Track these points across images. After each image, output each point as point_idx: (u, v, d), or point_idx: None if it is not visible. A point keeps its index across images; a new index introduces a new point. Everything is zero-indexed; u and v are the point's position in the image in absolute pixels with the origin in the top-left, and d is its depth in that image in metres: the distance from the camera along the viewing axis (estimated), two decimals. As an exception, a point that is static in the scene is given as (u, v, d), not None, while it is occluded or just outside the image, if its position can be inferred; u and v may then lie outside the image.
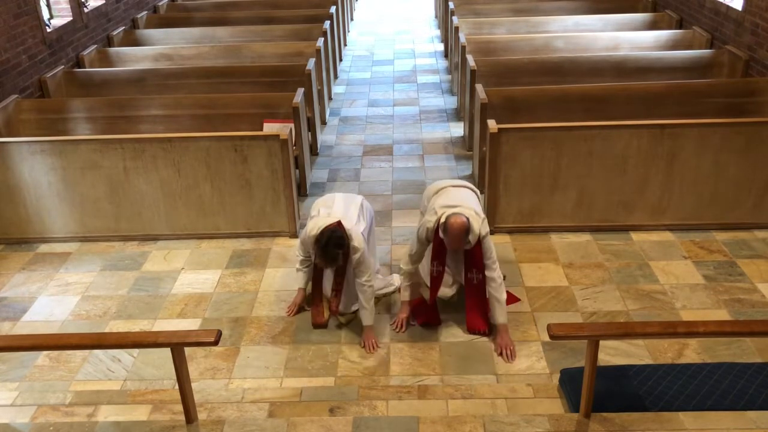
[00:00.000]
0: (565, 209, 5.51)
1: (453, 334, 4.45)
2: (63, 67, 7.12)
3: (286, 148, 5.36)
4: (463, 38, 7.78)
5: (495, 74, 6.93)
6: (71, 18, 7.45)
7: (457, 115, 8.26)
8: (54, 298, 4.99)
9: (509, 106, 6.15)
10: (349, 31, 12.49)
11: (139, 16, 9.22)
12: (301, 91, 6.33)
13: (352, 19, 13.45)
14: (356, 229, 4.33)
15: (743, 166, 5.30)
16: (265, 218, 5.59)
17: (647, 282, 4.92)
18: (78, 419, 3.73)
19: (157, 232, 5.66)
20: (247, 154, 5.36)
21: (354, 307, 4.57)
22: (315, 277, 4.61)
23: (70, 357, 4.34)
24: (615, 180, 5.39)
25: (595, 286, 4.90)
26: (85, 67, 7.47)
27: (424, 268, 4.54)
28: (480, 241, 4.16)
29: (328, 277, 4.63)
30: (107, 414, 3.78)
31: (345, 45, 11.56)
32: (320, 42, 7.94)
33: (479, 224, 4.14)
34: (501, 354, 4.23)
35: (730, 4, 6.97)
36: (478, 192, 4.59)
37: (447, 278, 4.52)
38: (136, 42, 8.53)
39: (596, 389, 3.51)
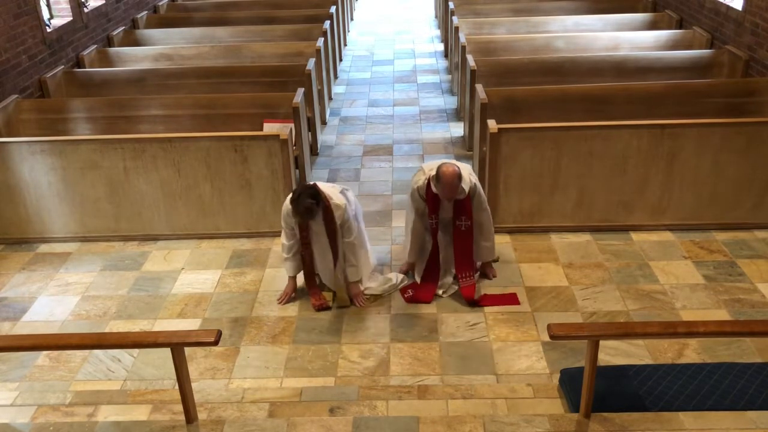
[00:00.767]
0: (565, 209, 5.51)
1: (453, 334, 4.45)
2: (63, 67, 7.12)
3: (286, 148, 5.36)
4: (463, 38, 7.78)
5: (495, 74, 6.93)
6: (71, 18, 7.45)
7: (457, 115, 8.26)
8: (54, 298, 4.99)
9: (509, 106, 6.14)
10: (349, 31, 12.49)
11: (139, 16, 9.22)
12: (301, 91, 6.33)
13: (352, 19, 13.45)
14: (334, 191, 4.50)
15: (743, 166, 5.30)
16: (265, 218, 5.59)
17: (647, 282, 4.92)
18: (78, 419, 3.73)
19: (157, 232, 5.66)
20: (247, 154, 5.36)
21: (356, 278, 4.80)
22: (306, 265, 4.70)
23: (70, 357, 4.34)
24: (615, 180, 5.39)
25: (595, 286, 4.90)
26: (85, 67, 7.47)
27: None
28: (470, 194, 4.57)
29: (320, 265, 4.75)
30: (107, 414, 3.78)
31: (345, 45, 11.56)
32: (320, 42, 7.94)
33: (468, 172, 4.60)
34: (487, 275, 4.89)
35: (730, 4, 6.97)
36: None
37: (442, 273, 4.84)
38: (136, 42, 8.53)
39: (596, 389, 3.51)
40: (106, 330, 4.61)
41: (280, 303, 4.77)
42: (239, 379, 4.12)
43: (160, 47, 8.01)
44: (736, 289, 4.80)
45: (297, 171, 5.93)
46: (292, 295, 4.82)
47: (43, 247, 5.64)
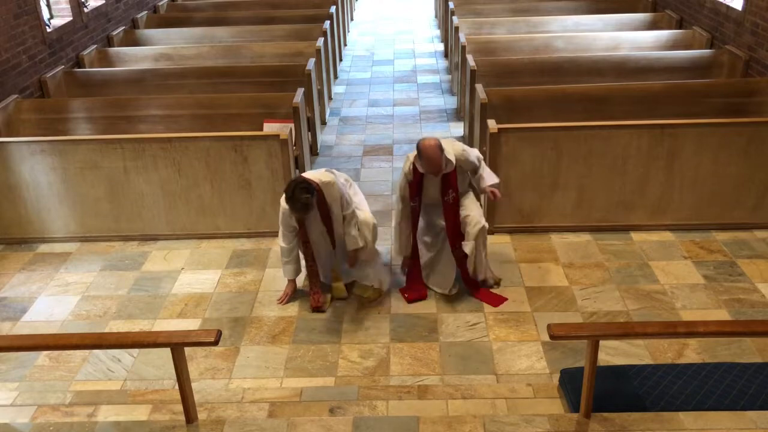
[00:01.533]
0: (565, 209, 5.51)
1: (453, 334, 4.45)
2: (63, 67, 7.12)
3: (286, 148, 5.36)
4: (463, 38, 7.78)
5: (495, 74, 6.93)
6: (71, 18, 7.44)
7: (457, 115, 8.26)
8: (54, 298, 4.99)
9: (509, 106, 6.14)
10: (349, 31, 12.49)
11: (139, 16, 9.22)
12: (301, 91, 6.33)
13: (352, 19, 13.45)
14: (319, 173, 4.50)
15: (743, 166, 5.30)
16: (265, 218, 5.59)
17: (647, 282, 4.92)
18: (78, 419, 3.73)
19: (157, 232, 5.66)
20: (247, 154, 5.36)
21: (351, 277, 4.83)
22: (308, 262, 4.69)
23: (70, 357, 4.34)
24: (615, 180, 5.39)
25: (595, 286, 4.90)
26: (85, 67, 7.46)
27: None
28: (460, 163, 4.51)
29: (321, 264, 4.76)
30: (107, 414, 3.78)
31: (345, 45, 11.56)
32: (320, 42, 7.94)
33: (451, 143, 4.57)
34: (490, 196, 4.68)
35: (730, 4, 6.97)
36: None
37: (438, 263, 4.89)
38: (136, 42, 8.53)
39: (596, 389, 3.50)
40: (106, 330, 4.61)
41: (280, 303, 4.78)
42: (239, 379, 4.12)
43: (160, 47, 8.01)
44: (736, 289, 4.80)
45: (297, 171, 5.93)
46: (292, 295, 4.82)
47: (43, 247, 5.64)
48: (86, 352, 4.35)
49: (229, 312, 4.76)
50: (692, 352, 4.19)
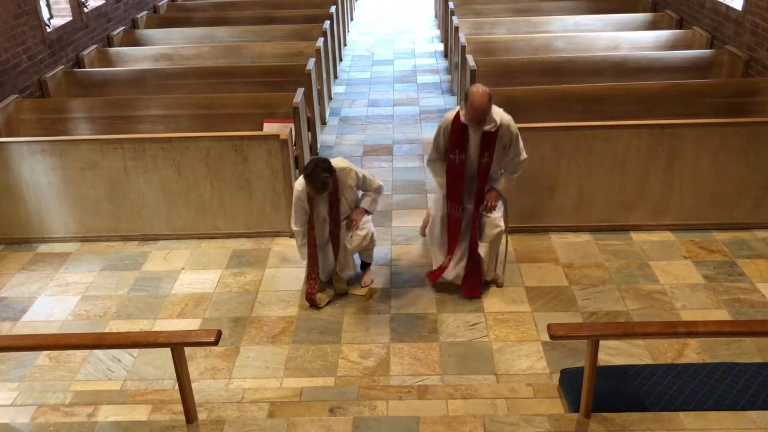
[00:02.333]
0: (565, 209, 5.51)
1: (453, 334, 4.45)
2: (63, 67, 7.12)
3: (286, 148, 5.36)
4: (463, 38, 7.78)
5: (495, 74, 6.93)
6: (71, 18, 7.44)
7: (457, 115, 8.24)
8: (54, 298, 4.99)
9: (509, 106, 6.06)
10: (349, 31, 12.49)
11: (139, 16, 9.22)
12: (301, 91, 6.33)
13: (352, 19, 13.44)
14: (334, 160, 4.52)
15: (743, 166, 5.30)
16: (265, 218, 5.59)
17: (647, 282, 4.92)
18: (78, 419, 3.73)
19: (157, 232, 5.66)
20: (247, 154, 5.36)
21: (349, 272, 4.89)
22: (311, 250, 4.70)
23: (70, 357, 4.34)
24: (615, 180, 5.39)
25: (595, 286, 4.90)
26: (85, 67, 7.46)
27: (435, 237, 4.89)
28: (501, 132, 4.44)
29: (324, 257, 4.79)
30: (107, 414, 3.78)
31: (345, 45, 11.56)
32: (320, 42, 7.94)
33: (503, 112, 4.47)
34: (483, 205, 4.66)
35: (730, 4, 6.97)
36: None
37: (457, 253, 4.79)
38: (136, 42, 8.53)
39: (596, 389, 3.50)
40: (106, 330, 4.61)
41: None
42: (239, 379, 4.13)
43: (160, 47, 8.01)
44: (736, 289, 4.80)
45: (297, 171, 5.92)
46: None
47: (43, 247, 5.64)
48: (86, 352, 4.35)
49: (229, 312, 4.76)
50: (692, 352, 4.19)
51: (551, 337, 3.37)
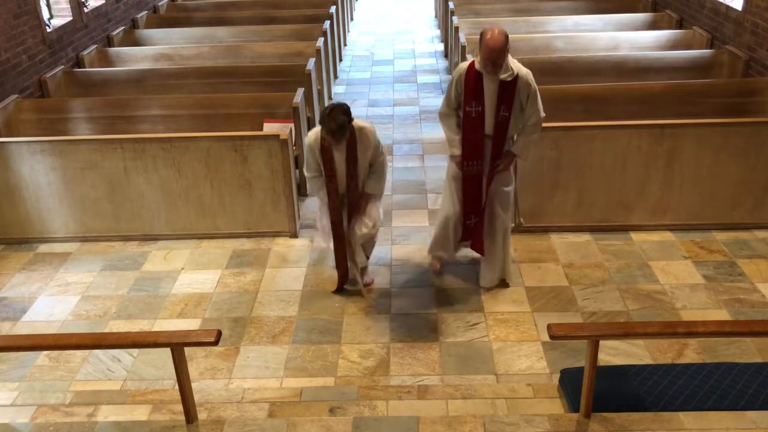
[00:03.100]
0: (565, 209, 5.51)
1: (453, 334, 4.45)
2: (63, 67, 7.12)
3: (286, 148, 5.36)
4: (463, 38, 7.78)
5: (495, 74, 6.92)
6: (71, 18, 7.44)
7: (457, 115, 8.25)
8: (54, 298, 4.99)
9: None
10: (349, 31, 12.49)
11: (139, 16, 9.22)
12: (301, 91, 6.33)
13: (352, 19, 13.44)
14: (357, 120, 4.38)
15: (743, 166, 5.30)
16: (265, 218, 5.59)
17: (647, 282, 4.92)
18: (78, 419, 3.73)
19: (157, 232, 5.66)
20: (247, 154, 5.36)
21: (361, 260, 4.80)
22: (334, 223, 4.58)
23: (70, 357, 4.34)
24: (615, 180, 5.39)
25: (595, 286, 4.90)
26: (85, 67, 7.46)
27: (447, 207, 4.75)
28: (519, 84, 4.22)
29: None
30: (107, 414, 3.78)
31: (345, 45, 11.56)
32: (320, 42, 7.94)
33: (519, 63, 4.26)
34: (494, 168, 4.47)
35: (730, 4, 6.97)
36: None
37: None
38: (136, 42, 8.53)
39: (596, 389, 3.50)
40: (106, 330, 4.61)
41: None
42: (239, 379, 4.13)
43: (160, 47, 8.01)
44: (736, 289, 4.80)
45: (297, 171, 5.93)
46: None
47: (43, 247, 5.64)
48: (86, 352, 4.35)
49: (229, 312, 4.76)
50: (692, 352, 4.19)
51: (551, 337, 3.37)
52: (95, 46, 7.86)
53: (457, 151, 4.54)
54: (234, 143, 5.34)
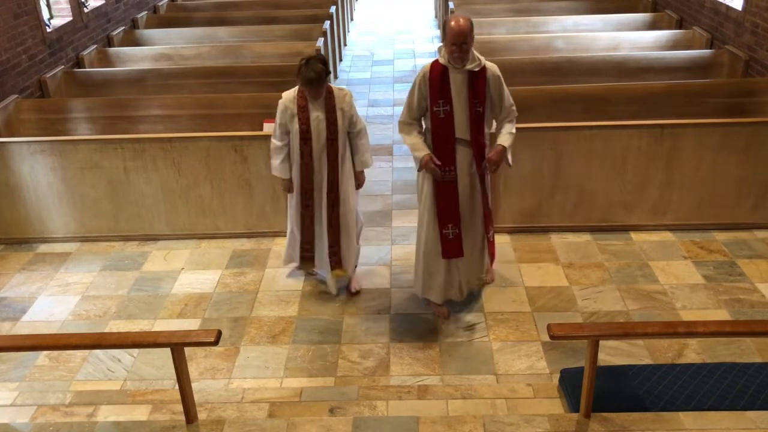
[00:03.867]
0: (565, 209, 5.51)
1: (453, 334, 4.45)
2: (63, 67, 7.12)
3: (286, 148, 5.35)
4: (463, 38, 7.76)
5: (495, 74, 6.92)
6: (71, 18, 7.44)
7: (457, 115, 8.24)
8: (54, 298, 4.99)
9: (509, 106, 6.13)
10: (349, 31, 12.49)
11: (139, 16, 9.22)
12: (301, 91, 6.32)
13: (352, 19, 13.45)
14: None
15: (743, 166, 5.30)
16: (265, 218, 5.59)
17: (647, 282, 4.92)
18: (78, 419, 3.73)
19: (157, 232, 5.66)
20: (247, 154, 5.36)
21: (353, 262, 4.76)
22: (303, 242, 4.63)
23: (70, 357, 4.34)
24: (615, 180, 5.39)
25: (595, 286, 4.90)
26: (85, 67, 7.46)
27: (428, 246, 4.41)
28: (487, 75, 4.11)
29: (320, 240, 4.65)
30: (107, 414, 3.78)
31: (345, 45, 11.56)
32: (320, 42, 7.94)
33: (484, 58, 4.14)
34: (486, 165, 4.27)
35: (730, 4, 6.97)
36: None
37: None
38: (136, 42, 8.53)
39: (596, 389, 3.50)
40: (106, 330, 4.61)
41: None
42: (239, 379, 4.13)
43: (160, 47, 8.01)
44: (736, 289, 4.80)
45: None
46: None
47: (43, 247, 5.64)
48: (86, 352, 4.35)
49: (229, 312, 4.76)
50: (692, 352, 4.19)
51: (551, 337, 3.37)
52: (95, 46, 7.87)
53: (426, 150, 4.19)
54: (234, 143, 5.34)
